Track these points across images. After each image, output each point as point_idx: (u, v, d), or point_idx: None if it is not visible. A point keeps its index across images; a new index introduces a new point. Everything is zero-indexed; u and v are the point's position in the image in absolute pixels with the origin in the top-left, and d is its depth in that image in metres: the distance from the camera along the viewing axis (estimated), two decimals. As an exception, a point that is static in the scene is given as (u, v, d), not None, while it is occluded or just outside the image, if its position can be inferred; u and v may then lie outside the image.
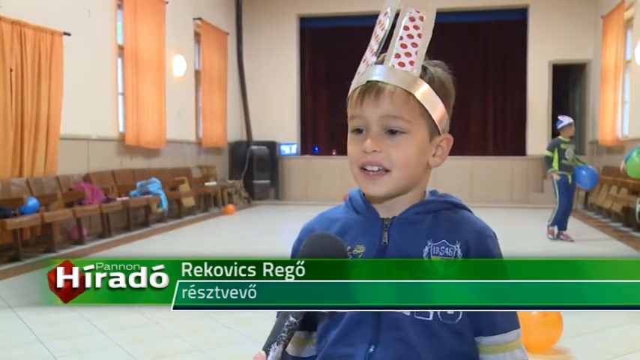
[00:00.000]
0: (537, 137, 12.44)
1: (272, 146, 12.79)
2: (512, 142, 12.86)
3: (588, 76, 12.30)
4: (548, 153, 7.15)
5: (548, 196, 11.74)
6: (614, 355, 3.26)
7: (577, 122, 13.19)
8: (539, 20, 12.25)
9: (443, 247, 0.97)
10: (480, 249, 0.98)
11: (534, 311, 3.23)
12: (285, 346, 0.82)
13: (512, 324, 1.02)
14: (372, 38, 1.00)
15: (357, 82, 0.99)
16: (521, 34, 12.62)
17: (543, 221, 9.39)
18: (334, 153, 13.09)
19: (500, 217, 9.56)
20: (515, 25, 12.85)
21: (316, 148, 13.69)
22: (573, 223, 7.83)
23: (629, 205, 7.79)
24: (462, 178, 11.83)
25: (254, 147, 12.46)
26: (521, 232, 8.11)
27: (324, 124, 13.75)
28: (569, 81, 13.63)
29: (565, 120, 7.17)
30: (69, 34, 7.22)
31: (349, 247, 0.98)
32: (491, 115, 13.07)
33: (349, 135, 1.00)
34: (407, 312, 0.94)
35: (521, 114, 12.69)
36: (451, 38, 11.77)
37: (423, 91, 0.95)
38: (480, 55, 12.93)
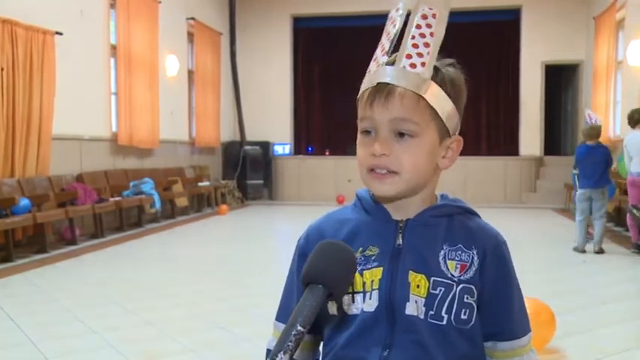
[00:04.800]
0: (530, 137, 12.50)
1: (265, 146, 12.78)
2: (506, 143, 12.91)
3: (580, 76, 12.36)
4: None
5: (540, 196, 11.81)
6: (606, 354, 3.27)
7: (569, 123, 13.30)
8: (531, 21, 12.30)
9: (459, 252, 0.96)
10: (496, 255, 0.98)
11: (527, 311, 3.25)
12: (292, 355, 0.79)
13: (527, 328, 1.03)
14: (384, 35, 0.98)
15: (367, 82, 0.97)
16: (514, 35, 12.67)
17: (537, 221, 9.44)
18: (328, 153, 13.09)
19: (493, 217, 9.57)
20: (507, 25, 12.90)
21: (310, 148, 13.69)
22: (567, 224, 7.87)
23: (622, 205, 7.83)
24: (456, 178, 11.84)
25: (247, 147, 12.45)
26: (516, 232, 8.12)
27: (318, 124, 13.75)
28: (561, 81, 13.69)
29: (591, 120, 6.86)
30: (61, 34, 7.19)
31: (361, 249, 0.97)
32: (484, 115, 13.12)
33: (359, 136, 0.98)
34: (421, 315, 0.94)
35: (514, 114, 12.74)
36: (445, 39, 11.78)
37: (434, 94, 0.94)
38: (473, 56, 12.93)
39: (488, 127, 13.15)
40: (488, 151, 12.92)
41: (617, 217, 8.45)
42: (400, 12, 0.97)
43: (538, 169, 12.23)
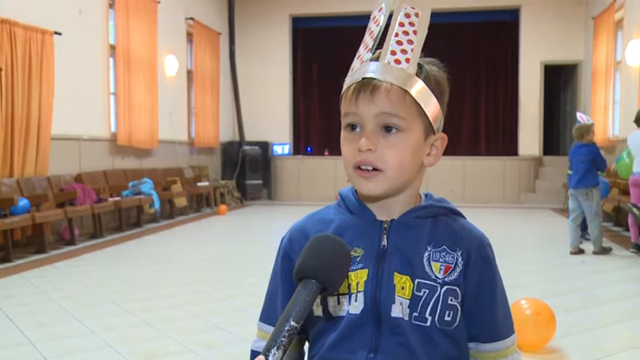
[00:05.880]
0: (529, 137, 12.50)
1: (264, 146, 12.78)
2: (504, 142, 12.91)
3: (579, 76, 12.37)
4: None
5: (539, 196, 11.82)
6: (606, 353, 3.27)
7: (568, 123, 13.31)
8: (530, 21, 12.31)
9: (443, 254, 0.96)
10: (480, 257, 0.98)
11: (527, 311, 3.24)
12: (285, 351, 0.78)
13: (511, 329, 1.02)
14: (367, 34, 0.98)
15: (351, 78, 0.96)
16: (513, 35, 12.68)
17: (536, 221, 9.44)
18: (327, 153, 13.08)
19: (492, 217, 9.59)
20: (507, 25, 12.90)
21: (309, 149, 13.69)
22: (566, 224, 7.86)
23: (620, 205, 7.83)
24: (454, 178, 11.86)
25: (246, 147, 12.44)
26: (515, 232, 8.13)
27: (317, 124, 13.75)
28: (560, 81, 13.70)
29: (582, 121, 7.02)
30: (60, 34, 7.18)
31: None
32: (483, 115, 13.12)
33: (343, 133, 0.98)
34: (405, 317, 0.93)
35: (513, 114, 12.74)
36: (443, 38, 11.80)
37: (419, 89, 0.93)
38: (472, 56, 12.97)
39: (487, 127, 13.15)
40: (487, 151, 12.92)
41: (616, 217, 8.45)
42: (383, 11, 0.97)
43: (537, 169, 12.23)
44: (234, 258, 6.43)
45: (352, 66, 0.98)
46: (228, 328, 3.72)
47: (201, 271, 5.71)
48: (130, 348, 3.36)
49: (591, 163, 6.12)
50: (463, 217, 1.03)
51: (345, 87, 0.98)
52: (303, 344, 1.04)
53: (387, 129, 0.93)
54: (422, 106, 0.94)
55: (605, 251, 6.22)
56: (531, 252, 7.00)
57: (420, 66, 0.95)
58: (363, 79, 0.94)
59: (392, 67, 0.93)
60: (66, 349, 3.34)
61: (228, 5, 12.75)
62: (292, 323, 0.79)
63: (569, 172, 7.28)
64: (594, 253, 6.22)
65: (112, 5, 8.65)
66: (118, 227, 8.10)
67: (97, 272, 5.52)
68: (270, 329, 1.03)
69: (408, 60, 0.93)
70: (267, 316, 1.05)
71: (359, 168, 0.95)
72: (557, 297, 4.41)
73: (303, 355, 1.04)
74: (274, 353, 0.77)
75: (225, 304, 4.31)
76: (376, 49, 0.96)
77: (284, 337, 0.79)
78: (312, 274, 0.83)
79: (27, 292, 4.72)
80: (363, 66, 0.95)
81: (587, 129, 6.33)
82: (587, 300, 4.46)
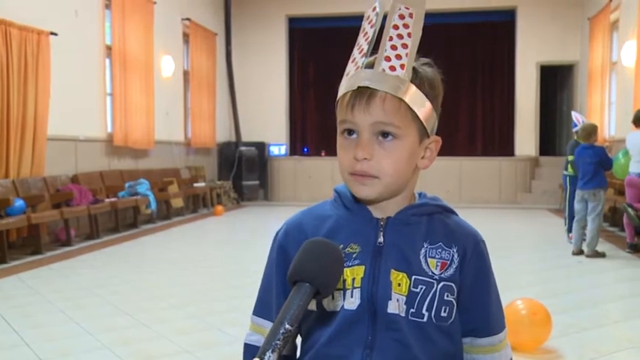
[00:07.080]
0: (525, 138, 12.53)
1: (261, 147, 12.77)
2: (501, 143, 12.93)
3: (576, 77, 12.40)
4: (572, 157, 6.79)
5: (536, 197, 11.84)
6: (601, 354, 3.28)
7: (564, 123, 13.34)
8: (527, 22, 12.34)
9: (439, 250, 0.97)
10: (475, 253, 1.00)
11: (523, 311, 3.25)
12: (280, 353, 0.79)
13: (503, 324, 1.05)
14: (361, 36, 0.98)
15: (346, 86, 0.97)
16: (510, 36, 12.70)
17: (533, 221, 9.46)
18: (323, 154, 13.09)
19: (489, 217, 9.61)
20: (503, 26, 12.92)
21: (305, 149, 13.68)
22: (562, 225, 7.89)
23: (616, 205, 7.85)
24: (451, 178, 11.87)
25: (243, 148, 12.44)
26: (511, 233, 8.14)
27: (314, 124, 13.74)
28: (556, 82, 13.73)
29: (579, 122, 6.92)
30: (56, 34, 7.16)
31: (342, 246, 0.97)
32: (479, 115, 13.14)
33: (339, 139, 0.98)
34: (402, 313, 0.94)
35: (510, 115, 12.77)
36: (439, 39, 11.82)
37: (414, 96, 0.94)
38: (469, 56, 12.98)
39: (483, 128, 13.17)
40: (484, 151, 12.94)
41: (612, 217, 8.47)
42: (377, 10, 0.97)
43: (533, 169, 12.26)
44: (230, 259, 6.43)
45: (347, 70, 0.98)
46: (226, 329, 3.72)
47: (198, 272, 5.71)
48: (127, 349, 3.36)
49: (598, 165, 6.10)
50: (456, 214, 1.04)
51: (340, 93, 0.98)
52: (295, 337, 1.05)
53: (384, 135, 0.94)
54: (417, 112, 0.95)
55: (598, 255, 6.13)
56: (527, 252, 7.01)
57: (414, 70, 0.95)
58: (358, 87, 0.94)
59: (387, 74, 0.93)
60: (62, 351, 3.33)
61: (225, 6, 12.75)
62: (287, 326, 0.80)
63: (564, 172, 7.30)
64: (587, 256, 6.12)
65: (108, 6, 8.63)
66: (115, 228, 8.08)
67: (93, 273, 5.51)
68: (264, 322, 1.04)
69: (402, 66, 0.93)
70: (261, 309, 1.05)
71: (354, 174, 0.96)
72: (553, 297, 4.42)
73: (296, 349, 1.05)
74: (269, 356, 0.78)
75: (222, 305, 4.31)
76: (371, 52, 0.96)
77: (279, 340, 0.79)
78: (305, 278, 0.84)
79: (23, 294, 4.71)
80: (357, 73, 0.95)
81: (594, 130, 6.33)
82: (583, 300, 4.47)
